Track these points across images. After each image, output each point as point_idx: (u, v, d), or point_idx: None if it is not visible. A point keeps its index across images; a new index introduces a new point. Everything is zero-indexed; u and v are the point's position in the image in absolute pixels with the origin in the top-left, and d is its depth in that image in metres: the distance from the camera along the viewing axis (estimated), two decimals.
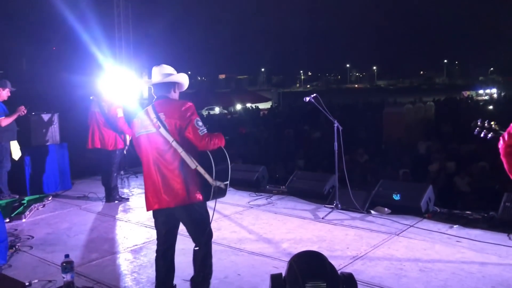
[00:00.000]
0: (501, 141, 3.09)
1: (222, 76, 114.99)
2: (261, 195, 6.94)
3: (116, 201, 6.76)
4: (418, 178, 11.26)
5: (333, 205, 6.00)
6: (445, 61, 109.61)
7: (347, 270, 4.06)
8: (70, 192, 7.49)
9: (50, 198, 6.86)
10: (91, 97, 6.73)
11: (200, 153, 3.24)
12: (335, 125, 5.72)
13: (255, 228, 5.40)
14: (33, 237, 5.20)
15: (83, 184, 8.00)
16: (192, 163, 3.17)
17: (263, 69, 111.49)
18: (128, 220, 5.88)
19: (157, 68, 3.42)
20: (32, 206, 6.28)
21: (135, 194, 7.32)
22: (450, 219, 5.45)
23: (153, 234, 5.21)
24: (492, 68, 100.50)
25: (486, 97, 42.01)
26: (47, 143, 7.38)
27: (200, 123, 3.20)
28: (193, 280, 3.45)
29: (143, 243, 4.98)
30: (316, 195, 6.48)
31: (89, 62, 9.03)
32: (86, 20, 9.65)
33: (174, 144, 3.17)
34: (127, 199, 6.92)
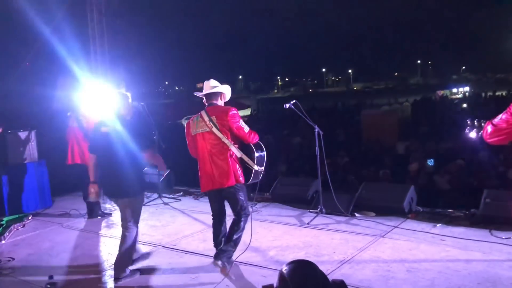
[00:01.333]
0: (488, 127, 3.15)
1: (200, 85, 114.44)
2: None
3: (98, 217, 6.66)
4: (398, 178, 11.40)
5: (317, 210, 6.02)
6: (419, 61, 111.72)
7: (335, 274, 4.09)
8: (51, 210, 7.34)
9: (30, 218, 6.71)
10: (68, 113, 6.62)
11: (244, 146, 4.29)
12: (316, 130, 5.76)
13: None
14: (13, 259, 5.07)
15: (64, 201, 7.85)
16: (238, 153, 4.22)
17: (240, 76, 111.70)
18: (112, 236, 5.79)
19: (207, 82, 4.40)
20: (12, 227, 6.14)
21: (117, 209, 7.20)
22: (433, 218, 5.54)
23: (138, 250, 5.17)
24: (464, 67, 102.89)
25: (460, 95, 42.90)
26: (25, 161, 7.23)
27: (244, 123, 4.25)
28: (225, 243, 4.36)
29: None
30: (300, 200, 6.50)
31: (64, 76, 8.90)
32: (61, 34, 9.52)
33: (224, 140, 4.15)
34: (110, 214, 6.82)
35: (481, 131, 3.19)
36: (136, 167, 4.27)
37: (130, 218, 4.32)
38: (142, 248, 5.20)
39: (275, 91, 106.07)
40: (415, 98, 33.58)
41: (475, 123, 3.25)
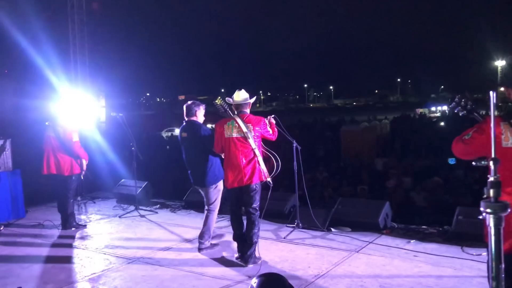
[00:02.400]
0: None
1: (181, 97, 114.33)
2: (223, 217, 6.89)
3: (73, 228, 6.55)
4: (376, 194, 11.53)
5: (294, 224, 6.04)
6: (399, 80, 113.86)
7: None
8: (24, 220, 7.19)
9: (1, 228, 6.56)
10: (46, 123, 6.54)
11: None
12: (294, 145, 5.81)
13: (217, 252, 5.35)
14: None
15: (38, 212, 7.70)
16: (261, 159, 4.81)
17: (222, 90, 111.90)
18: (86, 247, 5.70)
19: (239, 92, 4.92)
20: None
21: (92, 221, 7.12)
22: (407, 234, 5.61)
23: (112, 261, 5.11)
24: (442, 86, 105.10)
25: (438, 114, 43.73)
26: None
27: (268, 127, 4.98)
28: (247, 247, 4.83)
29: (102, 271, 4.83)
30: (277, 214, 6.51)
31: (42, 86, 8.82)
32: (40, 44, 9.44)
33: (254, 145, 4.73)
34: (85, 226, 6.71)
35: (452, 146, 3.22)
36: (208, 164, 5.21)
37: (209, 202, 5.36)
38: (116, 261, 5.13)
39: (257, 105, 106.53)
40: (394, 115, 34.14)
41: (462, 102, 3.25)
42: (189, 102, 5.44)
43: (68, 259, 5.34)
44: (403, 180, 12.36)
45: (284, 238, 5.68)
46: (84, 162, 6.54)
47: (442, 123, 27.95)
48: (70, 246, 5.86)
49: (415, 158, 15.51)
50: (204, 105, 5.49)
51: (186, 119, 5.39)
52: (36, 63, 8.70)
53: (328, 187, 12.37)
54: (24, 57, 8.81)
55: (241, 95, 4.90)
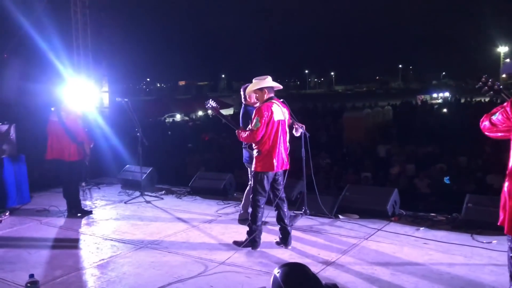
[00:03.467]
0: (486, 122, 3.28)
1: (182, 83, 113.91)
2: (229, 203, 6.88)
3: (78, 214, 6.52)
4: (379, 181, 11.52)
5: (301, 211, 6.01)
6: (400, 66, 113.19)
7: (319, 276, 4.06)
8: (29, 205, 7.16)
9: (7, 213, 6.53)
10: (52, 108, 6.46)
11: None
12: (302, 131, 5.73)
13: (225, 238, 5.33)
14: None
15: (42, 197, 7.67)
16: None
17: (223, 75, 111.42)
18: (92, 234, 5.68)
19: (269, 78, 4.84)
20: None
21: (98, 206, 7.09)
22: (415, 221, 5.58)
23: (119, 247, 5.09)
24: (444, 73, 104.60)
25: (440, 101, 43.58)
26: (3, 155, 7.04)
27: None
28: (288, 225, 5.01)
29: (110, 257, 4.81)
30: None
31: (45, 70, 8.72)
32: (43, 28, 9.30)
33: (288, 129, 4.89)
34: (90, 212, 6.68)
35: (480, 121, 3.29)
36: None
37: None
38: (123, 247, 5.11)
39: None
40: (395, 102, 34.00)
41: (489, 82, 3.22)
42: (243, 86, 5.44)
43: (75, 245, 5.32)
44: (407, 167, 12.36)
45: (292, 225, 5.64)
46: (87, 148, 6.48)
47: (444, 110, 27.88)
48: (76, 232, 5.84)
49: (418, 145, 15.50)
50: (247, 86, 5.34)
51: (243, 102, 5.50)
52: (40, 47, 8.58)
53: (331, 173, 12.36)
54: (27, 41, 8.67)
55: (271, 80, 4.85)
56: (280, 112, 4.77)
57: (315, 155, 12.40)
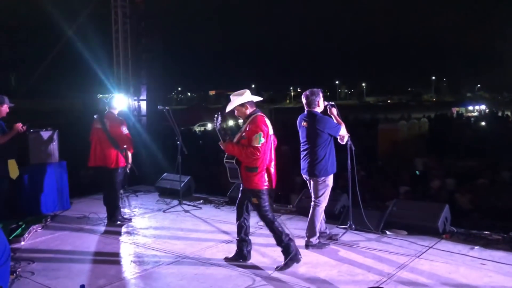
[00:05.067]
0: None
1: (212, 92, 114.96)
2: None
3: (118, 222, 6.49)
4: (418, 195, 11.14)
5: (346, 225, 5.80)
6: (433, 77, 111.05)
7: None
8: (69, 212, 7.20)
9: (49, 219, 6.57)
10: (95, 116, 6.49)
11: None
12: (349, 143, 5.55)
13: (268, 251, 5.16)
14: (33, 262, 4.91)
15: (81, 204, 7.71)
16: None
17: (253, 85, 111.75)
18: (134, 243, 5.62)
19: (249, 91, 4.67)
20: (31, 228, 5.99)
21: (137, 215, 7.05)
22: (468, 239, 5.28)
23: (161, 257, 5.00)
24: (479, 85, 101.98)
25: (476, 113, 42.44)
26: (46, 161, 7.11)
27: None
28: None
29: (152, 267, 4.73)
30: (327, 215, 6.24)
31: (87, 78, 8.84)
32: (85, 36, 9.47)
33: None
34: (130, 220, 6.65)
35: None
36: (320, 155, 5.09)
37: (316, 195, 5.20)
38: (165, 257, 5.02)
39: (287, 101, 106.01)
40: (429, 114, 33.25)
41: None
42: (308, 92, 5.25)
43: (117, 254, 5.27)
44: (447, 181, 11.93)
45: (337, 240, 5.44)
46: (130, 155, 6.48)
47: (483, 123, 27.07)
48: (117, 240, 5.80)
49: (456, 158, 15.00)
50: (318, 90, 5.29)
51: (307, 108, 5.26)
52: (81, 55, 8.71)
53: (366, 186, 12.05)
54: (70, 50, 8.83)
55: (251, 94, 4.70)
56: (270, 125, 4.63)
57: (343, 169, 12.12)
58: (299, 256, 4.62)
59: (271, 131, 4.59)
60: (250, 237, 5.64)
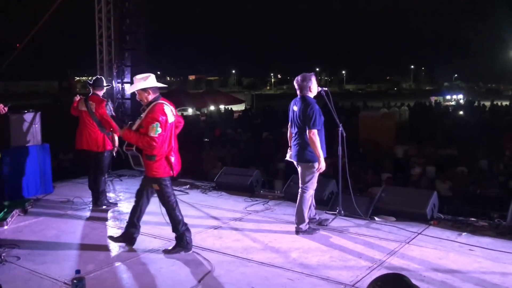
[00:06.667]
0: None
1: (192, 77, 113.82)
2: (257, 200, 6.71)
3: (104, 206, 6.37)
4: (399, 182, 11.29)
5: (335, 211, 5.82)
6: (412, 66, 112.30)
7: (366, 280, 3.88)
8: (52, 196, 7.03)
9: (32, 203, 6.40)
10: (78, 96, 6.32)
11: None
12: (340, 129, 5.54)
13: (258, 236, 5.15)
14: (18, 246, 4.78)
15: (65, 188, 7.54)
16: None
17: (233, 71, 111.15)
18: (121, 228, 5.50)
19: (153, 76, 4.57)
20: (14, 212, 5.84)
21: (122, 199, 6.93)
22: (456, 226, 5.36)
23: (150, 242, 4.93)
24: (456, 75, 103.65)
25: (453, 103, 43.12)
26: (28, 144, 6.91)
27: None
28: None
29: (143, 253, 4.66)
30: (316, 201, 6.26)
31: (74, 60, 8.59)
32: (64, 16, 9.17)
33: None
34: (116, 204, 6.54)
35: None
36: (306, 140, 4.98)
37: (303, 181, 5.14)
38: (155, 242, 4.95)
39: (268, 87, 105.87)
40: (408, 102, 33.63)
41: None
42: (299, 77, 5.16)
43: (104, 239, 5.16)
44: (427, 168, 12.13)
45: (326, 225, 5.46)
46: (116, 138, 6.34)
47: (460, 112, 27.49)
48: (104, 225, 5.70)
49: (436, 146, 15.24)
50: (311, 75, 5.19)
51: (299, 93, 5.18)
52: (63, 35, 8.43)
53: (349, 173, 12.13)
54: (49, 29, 8.53)
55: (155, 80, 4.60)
56: (171, 113, 4.53)
57: (330, 155, 12.18)
58: (190, 246, 4.65)
59: (171, 119, 4.49)
60: (239, 222, 5.66)
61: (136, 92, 4.54)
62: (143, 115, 4.49)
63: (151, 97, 4.48)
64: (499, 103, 33.36)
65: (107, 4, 9.84)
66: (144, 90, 4.46)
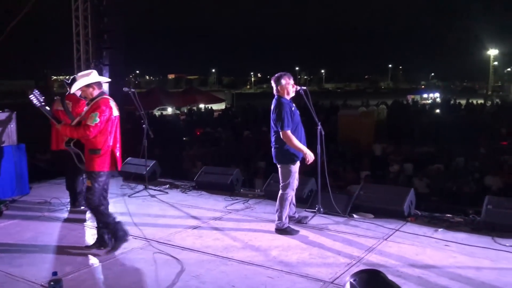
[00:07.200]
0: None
1: (171, 76, 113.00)
2: (237, 199, 6.72)
3: (82, 207, 6.28)
4: (377, 180, 11.45)
5: (314, 209, 5.87)
6: (390, 66, 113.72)
7: (344, 278, 3.92)
8: (29, 197, 6.90)
9: (7, 205, 6.28)
10: (55, 97, 6.22)
11: None
12: (318, 128, 5.59)
13: (239, 235, 5.16)
14: None
15: (42, 189, 7.42)
16: None
17: (213, 70, 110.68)
18: None
19: (96, 72, 4.62)
20: None
21: None
22: (432, 222, 5.46)
23: (130, 243, 4.88)
24: (433, 74, 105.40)
25: (430, 101, 43.87)
26: (3, 144, 6.77)
27: None
28: None
29: (122, 253, 4.61)
30: (296, 199, 6.30)
31: (50, 59, 8.44)
32: (42, 16, 9.02)
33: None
34: None
35: None
36: (281, 141, 4.99)
37: (280, 181, 5.18)
38: (134, 243, 4.91)
39: (248, 86, 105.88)
40: (386, 101, 34.07)
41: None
42: (274, 77, 5.23)
43: (82, 240, 5.11)
44: (405, 166, 12.33)
45: (305, 223, 5.50)
46: None
47: (437, 110, 27.99)
48: (82, 226, 5.63)
49: (413, 144, 15.51)
50: (286, 75, 5.22)
51: (275, 94, 5.21)
52: (38, 34, 8.28)
53: (328, 171, 12.25)
54: (27, 29, 8.38)
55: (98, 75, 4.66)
56: (115, 108, 4.59)
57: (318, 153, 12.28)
58: (108, 244, 4.65)
59: (115, 113, 4.55)
60: (219, 222, 5.66)
61: (80, 89, 4.57)
62: (86, 109, 4.54)
63: (96, 92, 4.52)
64: (474, 102, 34.05)
65: (84, 2, 9.71)
66: (89, 86, 4.50)
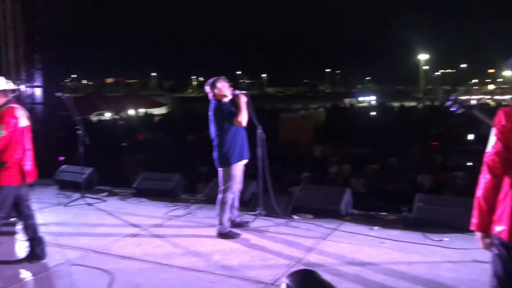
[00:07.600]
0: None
1: (109, 80, 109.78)
2: (178, 205, 6.63)
3: (12, 219, 5.94)
4: (317, 181, 11.75)
5: (256, 212, 5.93)
6: (327, 70, 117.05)
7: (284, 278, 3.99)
8: None
9: None
10: None
11: None
12: (259, 131, 5.66)
13: (180, 241, 5.11)
14: None
15: None
16: None
17: (154, 73, 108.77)
18: None
19: (3, 79, 4.39)
20: None
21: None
22: (368, 220, 5.67)
23: (65, 254, 4.71)
24: (368, 78, 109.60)
25: (366, 104, 45.64)
26: None
27: None
28: None
29: (56, 265, 4.43)
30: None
31: None
32: None
33: None
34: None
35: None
36: (224, 143, 5.04)
37: (220, 185, 5.19)
38: (70, 254, 4.72)
39: (190, 90, 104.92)
40: (324, 104, 35.01)
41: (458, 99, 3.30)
42: (208, 82, 5.18)
43: (13, 253, 4.84)
44: (343, 167, 12.72)
45: (247, 226, 5.54)
46: None
47: (373, 113, 29.14)
48: (12, 238, 5.33)
49: (351, 146, 16.06)
50: (222, 79, 5.20)
51: (212, 98, 5.17)
52: None
53: (269, 174, 12.41)
54: None
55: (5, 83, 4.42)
56: (24, 117, 4.40)
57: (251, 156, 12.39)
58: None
59: (24, 123, 4.35)
60: (160, 229, 5.57)
61: None
62: None
63: (1, 101, 4.27)
64: (406, 104, 35.79)
65: (12, 3, 9.24)
66: None
